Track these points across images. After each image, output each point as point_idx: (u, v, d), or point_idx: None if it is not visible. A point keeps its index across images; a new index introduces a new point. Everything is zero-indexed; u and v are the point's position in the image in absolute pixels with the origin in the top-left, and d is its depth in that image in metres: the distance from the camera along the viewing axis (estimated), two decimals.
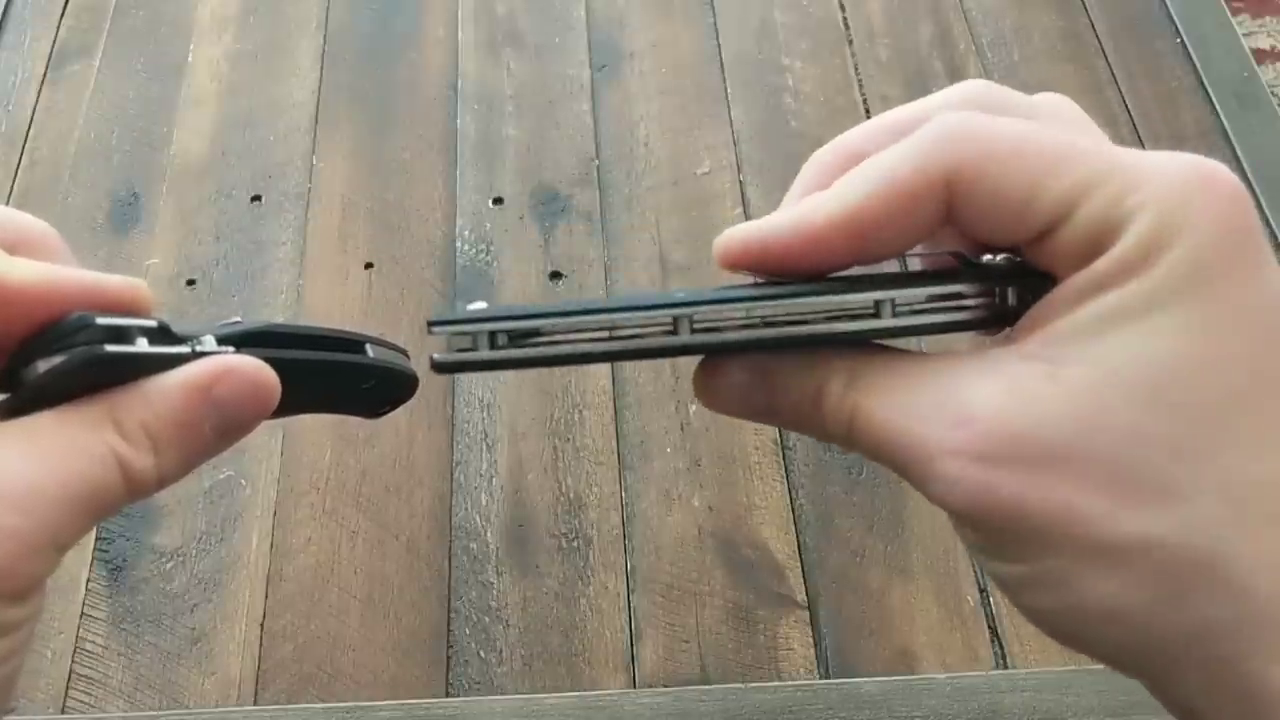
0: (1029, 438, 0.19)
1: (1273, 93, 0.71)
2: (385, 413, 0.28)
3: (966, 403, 0.20)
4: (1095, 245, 0.20)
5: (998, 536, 0.20)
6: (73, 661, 0.50)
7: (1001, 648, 0.50)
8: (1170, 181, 0.21)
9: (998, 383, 0.20)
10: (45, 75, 0.73)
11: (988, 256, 0.22)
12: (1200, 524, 0.19)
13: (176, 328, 0.23)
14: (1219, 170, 0.21)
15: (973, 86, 0.23)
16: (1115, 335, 0.20)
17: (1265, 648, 0.19)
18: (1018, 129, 0.21)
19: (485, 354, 0.23)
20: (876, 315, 0.22)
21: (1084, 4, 0.76)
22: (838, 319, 0.22)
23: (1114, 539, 0.19)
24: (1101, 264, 0.20)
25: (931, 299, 0.22)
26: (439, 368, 0.23)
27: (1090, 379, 0.19)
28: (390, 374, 0.27)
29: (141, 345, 0.22)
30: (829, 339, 0.22)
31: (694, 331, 0.22)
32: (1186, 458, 0.19)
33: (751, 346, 0.22)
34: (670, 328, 0.22)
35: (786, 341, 0.22)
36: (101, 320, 0.22)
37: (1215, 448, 0.19)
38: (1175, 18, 0.74)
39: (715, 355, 0.23)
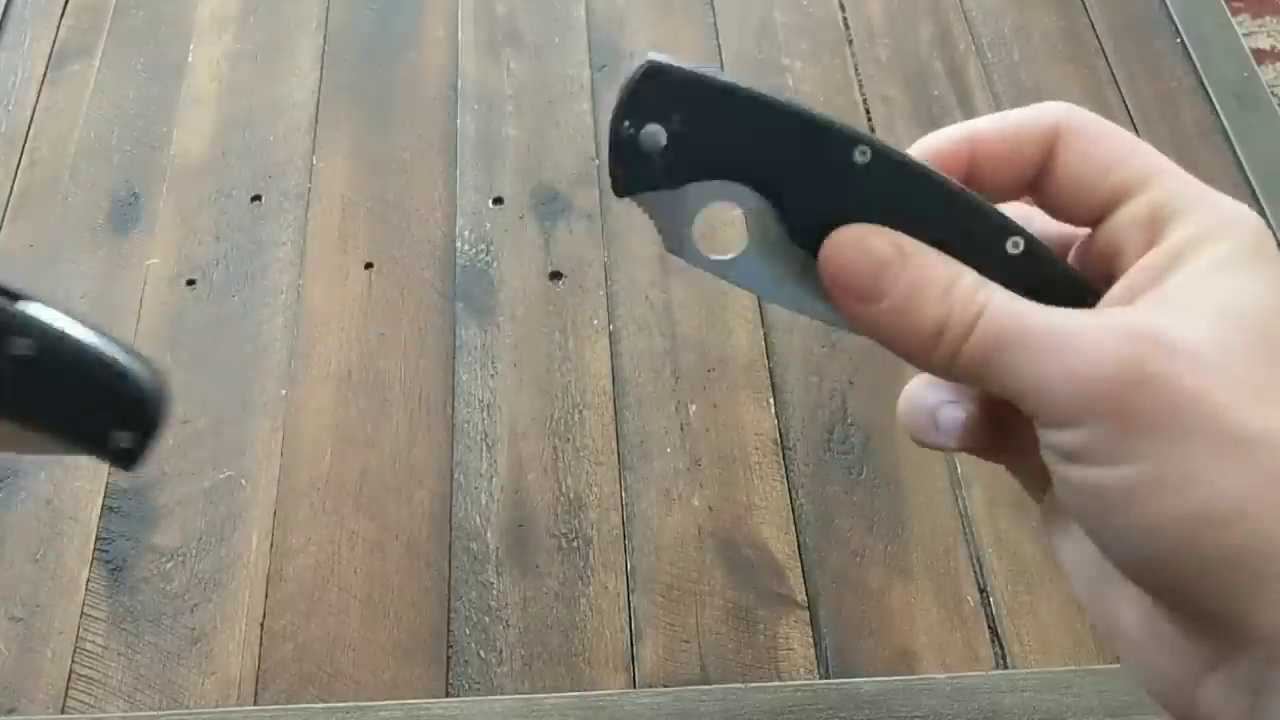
0: (1172, 334, 0.22)
1: (1273, 93, 0.71)
2: (129, 451, 0.22)
3: (1108, 314, 0.23)
4: (1155, 223, 0.23)
5: (1135, 422, 0.21)
6: (73, 661, 0.50)
7: (1001, 648, 0.50)
8: (1213, 197, 0.24)
9: (1132, 315, 0.23)
10: (45, 75, 0.73)
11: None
12: None
13: None
14: (1248, 209, 0.24)
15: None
16: (1220, 283, 0.22)
17: None
18: (1110, 124, 0.25)
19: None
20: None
21: (1084, 4, 0.76)
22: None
23: (1248, 431, 0.21)
24: (1177, 238, 0.23)
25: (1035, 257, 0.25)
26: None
27: (1214, 313, 0.22)
28: (60, 345, 0.21)
29: None
30: (979, 213, 0.25)
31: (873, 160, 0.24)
32: None
33: (916, 193, 0.24)
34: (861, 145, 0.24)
35: (948, 201, 0.24)
36: None
37: None
38: (1175, 18, 0.74)
39: (862, 219, 0.25)
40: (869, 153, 0.24)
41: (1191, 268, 0.23)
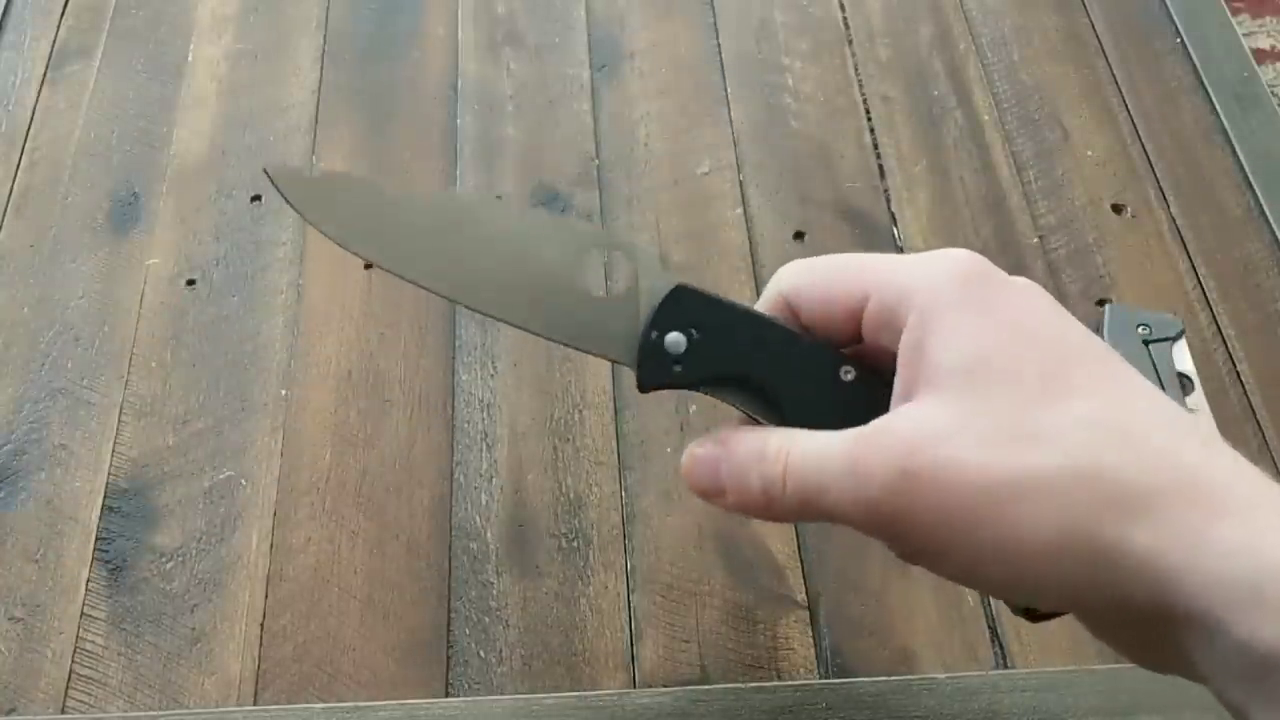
0: (924, 431, 0.27)
1: (1273, 93, 0.71)
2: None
3: (880, 436, 0.28)
4: (893, 318, 0.29)
5: (916, 523, 0.27)
6: (73, 661, 0.50)
7: (1001, 648, 0.50)
8: (911, 269, 0.29)
9: (893, 433, 0.28)
10: (45, 75, 0.73)
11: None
12: (1071, 448, 0.25)
13: None
14: (951, 252, 0.29)
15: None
16: (950, 350, 0.27)
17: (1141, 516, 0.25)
18: (827, 261, 0.31)
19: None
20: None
21: (1084, 4, 0.76)
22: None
23: (991, 481, 0.26)
24: (911, 324, 0.28)
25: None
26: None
27: (955, 384, 0.27)
28: None
29: None
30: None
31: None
32: (1037, 408, 0.26)
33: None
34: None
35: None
36: None
37: (1052, 398, 0.26)
38: (1175, 18, 0.75)
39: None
40: (852, 371, 0.30)
41: (928, 351, 0.27)
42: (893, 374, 0.30)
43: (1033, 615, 0.31)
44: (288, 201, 0.32)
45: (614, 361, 0.32)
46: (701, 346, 0.30)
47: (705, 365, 0.30)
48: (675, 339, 0.30)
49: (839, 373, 0.30)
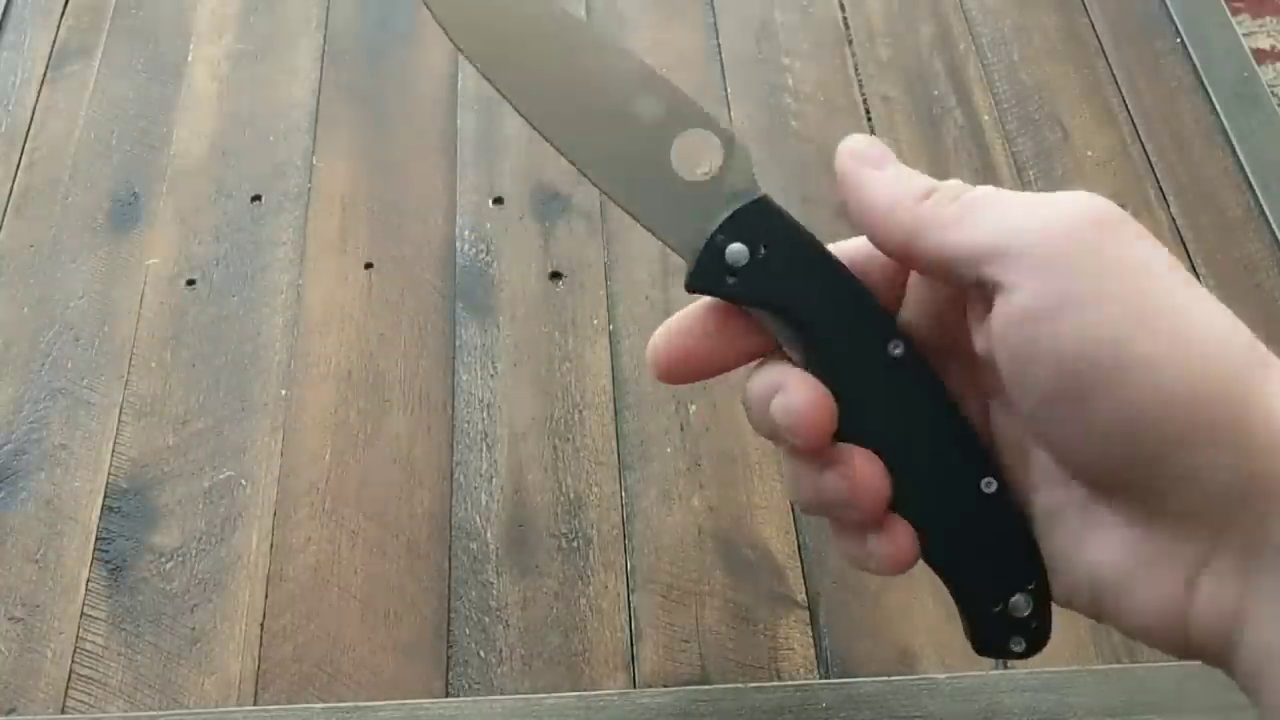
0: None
1: (1273, 93, 0.71)
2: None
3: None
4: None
5: (1108, 258, 0.25)
6: (73, 661, 0.50)
7: None
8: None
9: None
10: (45, 75, 0.73)
11: None
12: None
13: None
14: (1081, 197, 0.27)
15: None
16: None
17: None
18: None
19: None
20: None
21: (1084, 4, 0.76)
22: None
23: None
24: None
25: None
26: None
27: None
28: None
29: None
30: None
31: None
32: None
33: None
34: None
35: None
36: None
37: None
38: (1175, 18, 0.74)
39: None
40: (901, 346, 0.28)
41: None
42: (941, 360, 0.29)
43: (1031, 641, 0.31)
44: None
45: (670, 248, 0.29)
46: (762, 267, 0.28)
47: (759, 288, 0.28)
48: (738, 250, 0.28)
49: (889, 346, 0.28)
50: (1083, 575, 0.28)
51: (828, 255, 0.29)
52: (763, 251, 0.28)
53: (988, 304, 0.27)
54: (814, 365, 0.29)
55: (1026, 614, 0.29)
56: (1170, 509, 0.25)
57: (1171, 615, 0.26)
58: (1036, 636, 0.30)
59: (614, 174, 0.30)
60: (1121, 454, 0.25)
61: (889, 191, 0.28)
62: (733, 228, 0.28)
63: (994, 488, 0.29)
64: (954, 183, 0.27)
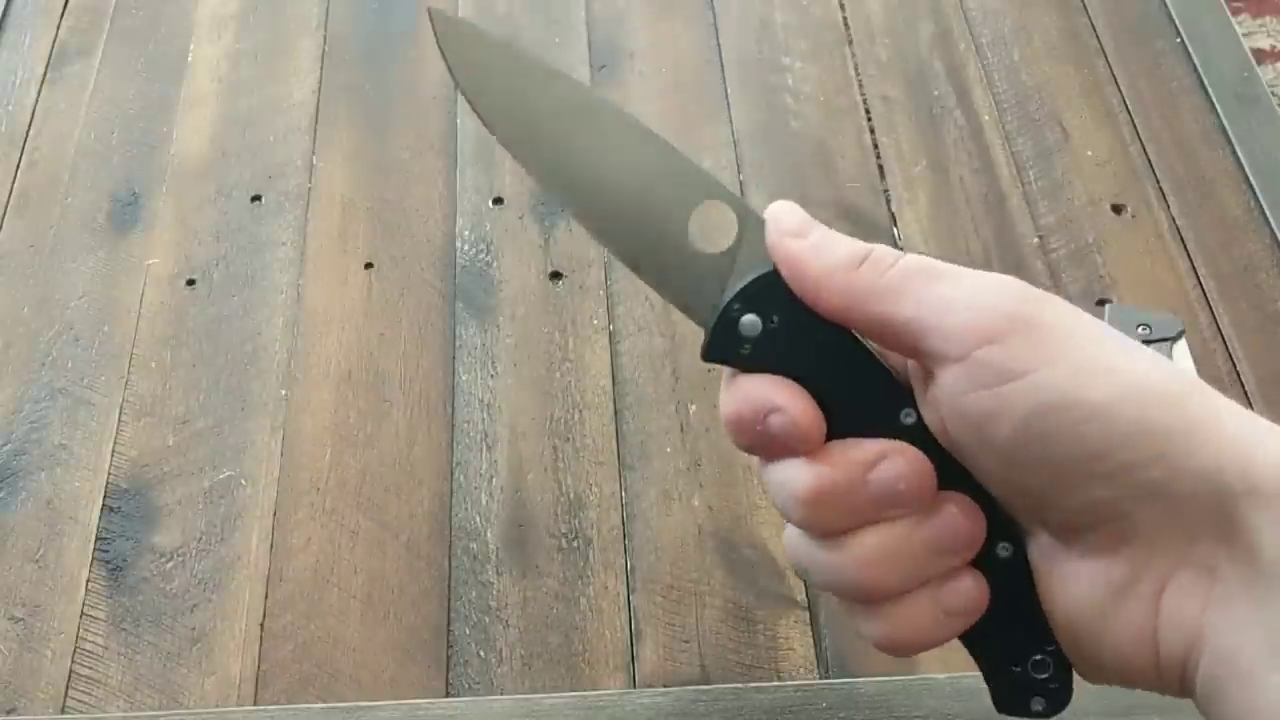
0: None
1: (1273, 93, 0.71)
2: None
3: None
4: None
5: (1034, 336, 0.27)
6: (73, 661, 0.50)
7: None
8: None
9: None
10: (45, 75, 0.73)
11: None
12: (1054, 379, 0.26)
13: None
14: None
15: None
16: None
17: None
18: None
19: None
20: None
21: (1084, 4, 0.76)
22: None
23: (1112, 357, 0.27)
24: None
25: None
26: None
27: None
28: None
29: None
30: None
31: None
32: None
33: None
34: None
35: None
36: None
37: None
38: (1175, 18, 0.74)
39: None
40: (913, 415, 0.29)
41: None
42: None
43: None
44: (439, 45, 0.30)
45: (687, 315, 0.30)
46: (775, 338, 0.29)
47: (773, 358, 0.29)
48: (751, 321, 0.29)
49: (900, 415, 0.29)
50: (1060, 621, 0.29)
51: (840, 330, 0.29)
52: (774, 323, 0.29)
53: (930, 373, 0.28)
54: (831, 431, 0.29)
55: (1046, 675, 0.30)
56: (1140, 527, 0.27)
57: (1143, 641, 0.27)
58: (1059, 697, 0.31)
59: (634, 248, 0.30)
60: (1088, 484, 0.27)
61: (818, 261, 0.28)
62: (748, 298, 0.29)
63: (1009, 552, 0.29)
64: (883, 249, 0.28)
